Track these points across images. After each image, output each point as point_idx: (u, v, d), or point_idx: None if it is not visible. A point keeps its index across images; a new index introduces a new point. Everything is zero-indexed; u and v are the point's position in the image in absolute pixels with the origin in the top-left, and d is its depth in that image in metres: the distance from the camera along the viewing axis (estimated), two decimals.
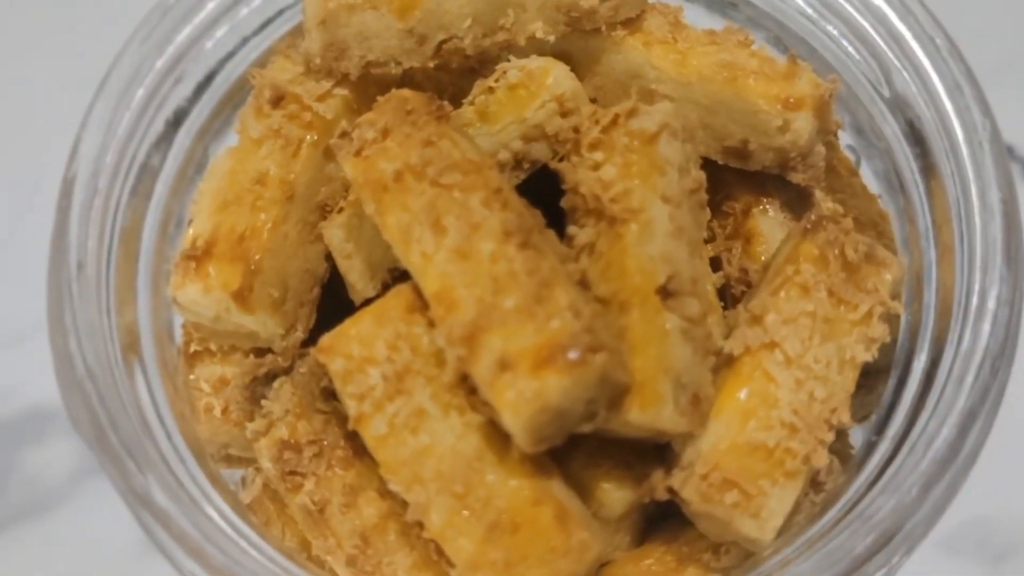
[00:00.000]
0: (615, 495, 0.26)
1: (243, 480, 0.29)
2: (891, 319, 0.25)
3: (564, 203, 0.26)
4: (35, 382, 0.47)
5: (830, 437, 0.24)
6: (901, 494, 0.22)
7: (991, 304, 0.23)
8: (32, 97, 0.52)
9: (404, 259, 0.25)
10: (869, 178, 0.30)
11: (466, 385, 0.24)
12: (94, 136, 0.26)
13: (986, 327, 0.23)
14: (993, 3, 0.53)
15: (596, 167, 0.26)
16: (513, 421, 0.22)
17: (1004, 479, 0.42)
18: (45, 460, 0.46)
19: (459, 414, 0.24)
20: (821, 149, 0.28)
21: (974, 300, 0.24)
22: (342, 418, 0.26)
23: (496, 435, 0.24)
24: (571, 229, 0.26)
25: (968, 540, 0.43)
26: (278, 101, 0.28)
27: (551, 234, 0.25)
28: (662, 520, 0.27)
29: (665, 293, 0.25)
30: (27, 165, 0.50)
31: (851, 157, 0.31)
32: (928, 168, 0.26)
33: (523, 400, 0.22)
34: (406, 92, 0.26)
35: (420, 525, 0.25)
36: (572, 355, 0.22)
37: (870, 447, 0.25)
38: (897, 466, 0.23)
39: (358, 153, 0.25)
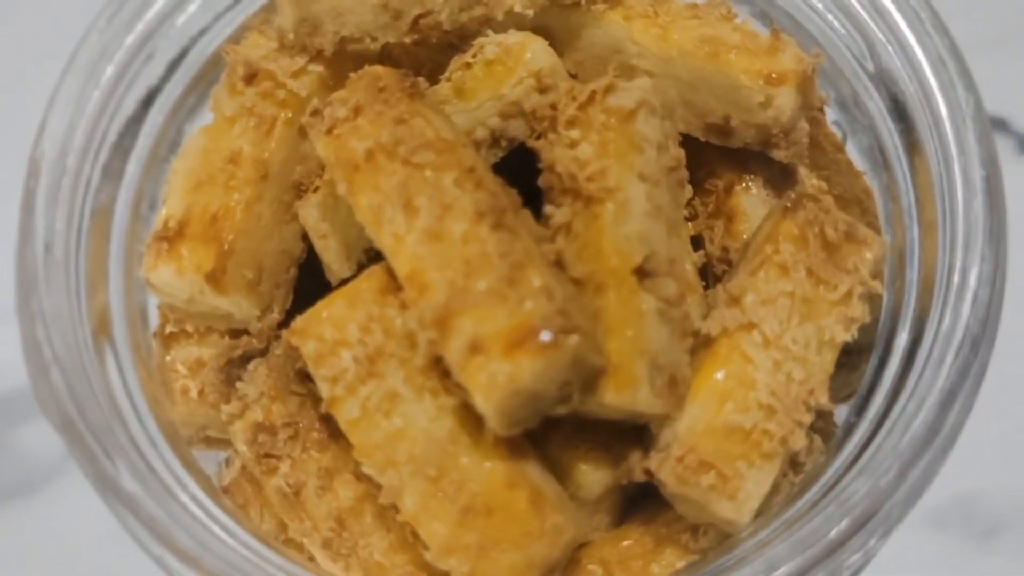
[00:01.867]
0: (593, 476, 0.26)
1: (226, 461, 0.29)
2: (872, 298, 0.25)
3: (541, 182, 0.26)
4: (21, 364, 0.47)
5: (808, 419, 0.24)
6: (878, 476, 0.22)
7: (972, 282, 0.22)
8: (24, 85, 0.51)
9: (376, 240, 0.24)
10: (854, 154, 0.30)
11: (439, 368, 0.24)
12: (62, 114, 0.25)
13: (966, 306, 0.22)
14: None
15: (572, 145, 0.25)
16: (486, 404, 0.22)
17: (993, 454, 0.42)
18: (35, 438, 0.46)
19: (432, 397, 0.24)
20: (804, 126, 0.28)
21: (955, 279, 0.23)
22: (317, 400, 0.26)
23: (470, 418, 0.24)
24: (547, 209, 0.25)
25: (956, 515, 0.43)
26: (251, 78, 0.28)
27: (526, 214, 0.25)
28: (642, 500, 0.27)
29: (642, 274, 0.24)
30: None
31: (837, 133, 0.31)
32: (912, 145, 0.26)
33: (495, 383, 0.22)
34: (379, 69, 0.26)
35: (395, 508, 0.24)
36: (545, 337, 0.22)
37: (849, 428, 0.25)
38: (876, 447, 0.23)
39: (329, 131, 0.25)
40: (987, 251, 0.22)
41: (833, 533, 0.21)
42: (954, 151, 0.24)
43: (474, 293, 0.23)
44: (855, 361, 0.26)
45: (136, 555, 0.44)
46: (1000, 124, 0.50)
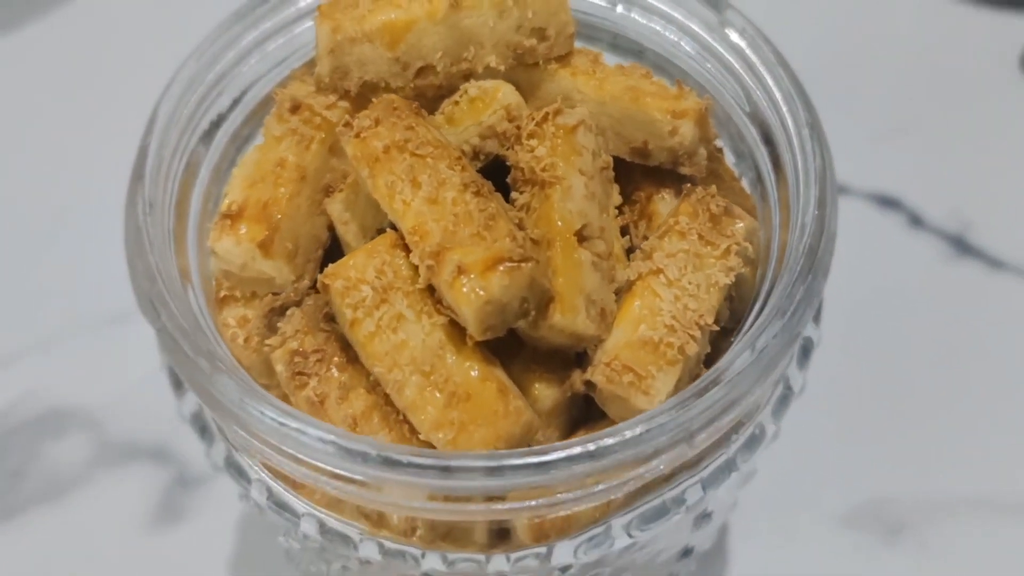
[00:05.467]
0: (545, 392, 0.34)
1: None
2: (748, 260, 0.34)
3: (509, 179, 0.35)
4: (56, 386, 0.53)
5: (699, 334, 0.32)
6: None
7: (807, 236, 0.32)
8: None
9: (388, 208, 0.33)
10: (745, 183, 0.40)
11: (433, 297, 0.33)
12: (162, 120, 0.35)
13: (803, 248, 0.32)
14: (888, 73, 0.64)
15: (532, 150, 0.35)
16: (466, 310, 0.31)
17: (898, 463, 0.50)
18: (62, 452, 0.52)
19: (428, 317, 0.32)
20: (703, 151, 0.38)
21: (800, 246, 0.33)
22: (339, 336, 0.34)
23: (455, 331, 0.32)
24: (513, 195, 0.35)
25: (867, 516, 0.49)
26: (295, 109, 0.37)
27: (498, 194, 0.34)
28: (583, 423, 0.35)
29: (580, 237, 0.33)
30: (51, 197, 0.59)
31: (735, 171, 0.41)
32: (775, 159, 0.36)
33: (474, 294, 0.31)
34: (393, 96, 0.35)
35: (393, 405, 0.32)
36: (510, 264, 0.31)
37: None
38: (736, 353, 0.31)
39: (357, 135, 0.34)
40: (815, 213, 0.32)
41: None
42: (798, 151, 0.34)
43: (460, 236, 0.32)
44: (740, 307, 0.35)
45: (157, 558, 0.49)
46: (894, 202, 0.58)
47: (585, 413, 0.35)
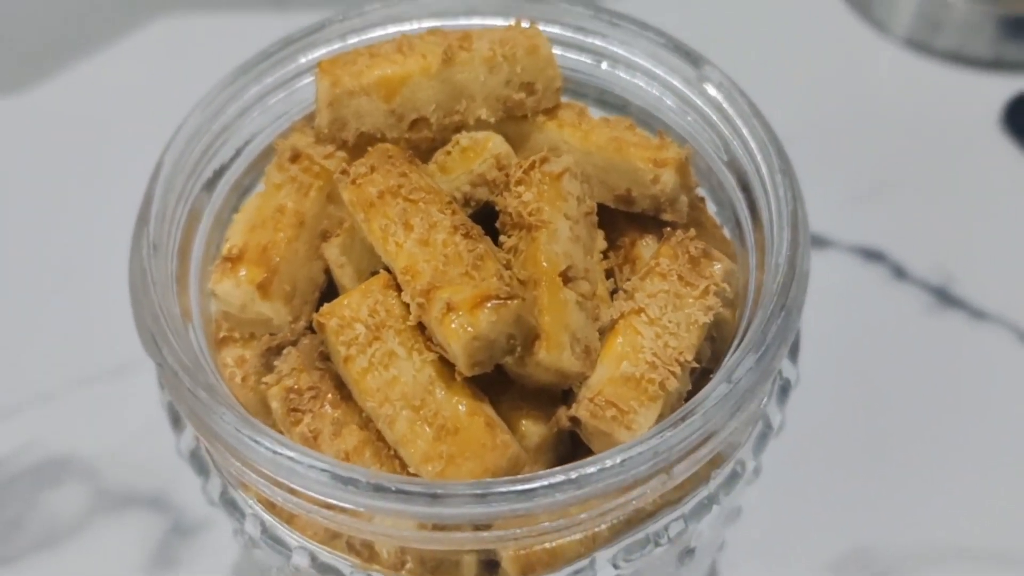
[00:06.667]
0: (532, 429, 0.35)
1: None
2: (727, 300, 0.36)
3: (498, 224, 0.37)
4: (54, 437, 0.55)
5: (679, 371, 0.34)
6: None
7: (775, 288, 0.33)
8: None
9: (382, 249, 0.35)
10: (726, 232, 0.42)
11: (424, 334, 0.34)
12: (168, 167, 0.36)
13: (768, 310, 0.33)
14: (871, 130, 0.66)
15: (519, 196, 0.36)
16: (455, 346, 0.32)
17: (882, 514, 0.51)
18: (61, 500, 0.53)
19: (418, 354, 0.33)
20: (684, 198, 0.39)
21: (772, 286, 0.34)
22: (333, 374, 0.35)
23: (445, 367, 0.33)
24: (502, 239, 0.36)
25: (852, 565, 0.50)
26: (295, 158, 0.39)
27: (487, 237, 0.36)
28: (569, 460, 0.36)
29: (565, 277, 0.35)
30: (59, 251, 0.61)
31: (716, 219, 0.43)
32: (751, 204, 0.38)
33: (462, 330, 0.32)
34: (388, 144, 0.37)
35: (384, 441, 0.34)
36: (497, 301, 0.32)
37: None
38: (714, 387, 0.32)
39: (353, 182, 0.36)
40: (789, 250, 0.33)
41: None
42: (771, 195, 0.36)
43: (450, 275, 0.33)
44: (721, 348, 0.36)
45: None
46: (877, 255, 0.60)
47: (571, 452, 0.36)
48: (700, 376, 0.36)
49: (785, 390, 0.36)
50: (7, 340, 0.58)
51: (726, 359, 0.34)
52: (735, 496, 0.35)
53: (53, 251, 0.62)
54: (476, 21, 0.41)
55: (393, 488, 0.29)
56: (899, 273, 0.60)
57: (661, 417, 0.33)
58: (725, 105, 0.38)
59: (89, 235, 0.61)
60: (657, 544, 0.34)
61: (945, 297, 0.59)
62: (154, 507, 0.53)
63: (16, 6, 0.74)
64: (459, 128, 0.39)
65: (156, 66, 0.69)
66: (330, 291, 0.39)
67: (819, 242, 0.61)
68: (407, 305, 0.34)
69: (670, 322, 0.34)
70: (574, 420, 0.34)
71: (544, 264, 0.35)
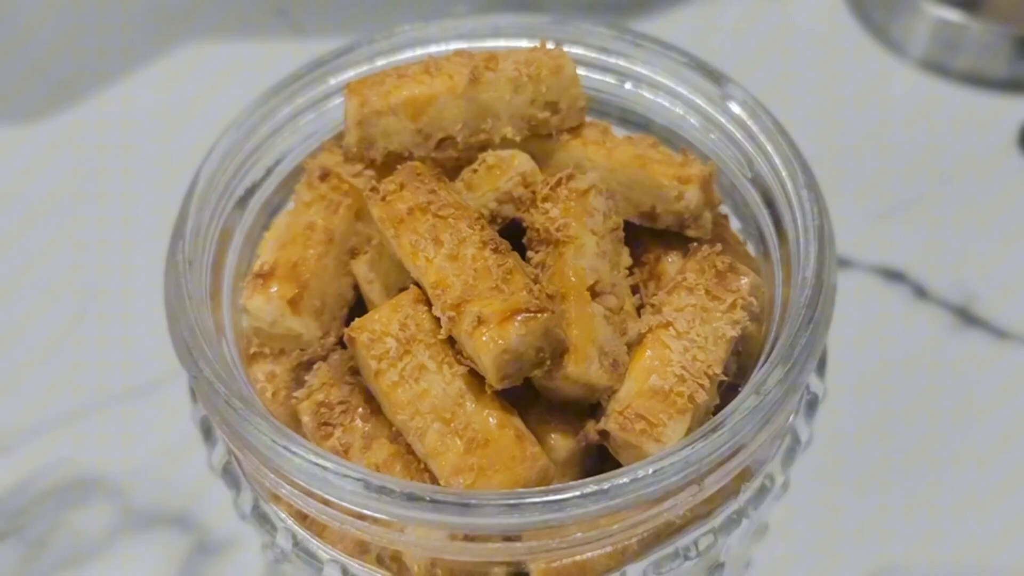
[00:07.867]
0: (560, 442, 0.35)
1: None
2: (753, 314, 0.36)
3: (525, 240, 0.37)
4: (81, 456, 0.55)
5: (708, 384, 0.34)
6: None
7: (803, 301, 0.33)
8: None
9: (412, 265, 0.35)
10: (749, 247, 0.42)
11: (454, 348, 0.34)
12: (203, 185, 0.37)
13: (803, 305, 0.33)
14: (892, 152, 0.66)
15: (546, 212, 0.37)
16: (485, 359, 0.33)
17: (910, 530, 0.51)
18: (86, 519, 0.53)
19: (448, 367, 0.34)
20: (708, 215, 0.40)
21: (801, 301, 0.34)
22: (363, 388, 0.36)
23: (475, 380, 0.34)
24: (529, 254, 0.37)
25: None
26: (325, 177, 0.40)
27: (515, 252, 0.36)
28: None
29: (593, 292, 0.35)
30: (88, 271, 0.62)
31: (739, 235, 0.43)
32: (776, 220, 0.38)
33: (493, 343, 0.32)
34: (417, 163, 0.38)
35: (414, 455, 0.34)
36: (526, 315, 0.33)
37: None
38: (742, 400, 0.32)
39: (383, 199, 0.36)
40: (816, 264, 0.34)
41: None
42: (797, 211, 0.36)
43: (480, 289, 0.33)
44: (747, 362, 0.37)
45: None
46: (898, 275, 0.60)
47: (598, 466, 0.36)
48: (726, 391, 0.36)
49: (813, 405, 0.36)
50: (35, 361, 0.59)
51: (754, 372, 0.34)
52: (764, 510, 0.35)
53: (81, 273, 0.62)
54: (502, 43, 0.42)
55: (426, 497, 0.30)
56: (920, 293, 0.60)
57: (689, 430, 0.33)
58: (749, 122, 0.39)
59: (117, 257, 0.62)
60: (686, 558, 0.34)
61: (967, 316, 0.59)
62: (180, 526, 0.53)
63: (45, 35, 0.75)
64: (485, 147, 0.39)
65: (182, 91, 0.70)
66: (358, 307, 0.39)
67: (840, 263, 0.61)
68: (437, 319, 0.34)
69: (698, 336, 0.34)
70: (603, 433, 0.34)
71: (572, 279, 0.35)
